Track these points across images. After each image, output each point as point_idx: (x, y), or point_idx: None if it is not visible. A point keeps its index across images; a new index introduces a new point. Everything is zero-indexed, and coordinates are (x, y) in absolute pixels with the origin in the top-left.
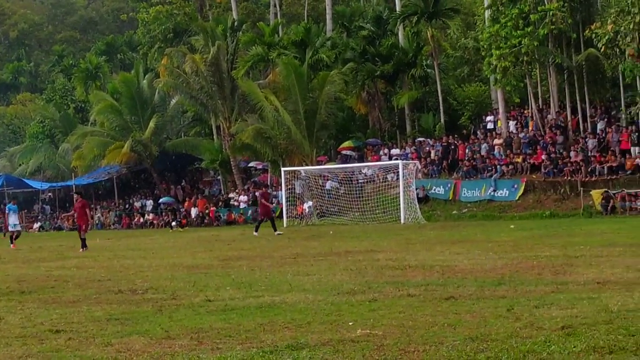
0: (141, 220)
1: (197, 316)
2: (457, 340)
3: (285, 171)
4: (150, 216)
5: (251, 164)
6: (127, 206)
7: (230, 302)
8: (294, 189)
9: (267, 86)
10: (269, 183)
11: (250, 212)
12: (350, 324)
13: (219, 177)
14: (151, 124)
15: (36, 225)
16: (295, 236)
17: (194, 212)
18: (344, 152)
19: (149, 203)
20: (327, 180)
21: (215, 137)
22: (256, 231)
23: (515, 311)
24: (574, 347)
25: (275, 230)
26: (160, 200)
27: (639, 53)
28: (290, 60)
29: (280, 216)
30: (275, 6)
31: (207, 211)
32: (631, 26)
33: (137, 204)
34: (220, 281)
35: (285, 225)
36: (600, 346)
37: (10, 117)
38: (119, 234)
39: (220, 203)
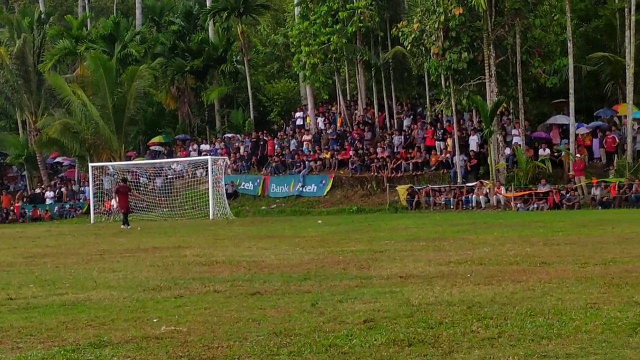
0: None
1: None
2: (261, 335)
3: (93, 167)
4: None
5: (58, 160)
6: None
7: (32, 300)
8: (102, 184)
9: (75, 80)
10: (76, 179)
11: (56, 208)
12: (154, 320)
13: (24, 173)
14: None
15: None
16: (103, 232)
17: None
18: (153, 147)
19: None
20: (139, 176)
21: (20, 131)
22: (124, 224)
23: (319, 306)
24: (375, 340)
25: (123, 224)
26: None
27: (443, 52)
28: (98, 54)
29: (88, 212)
30: None
31: (11, 207)
32: (436, 25)
33: None
34: (23, 279)
35: (92, 221)
36: (400, 339)
37: None
38: None
39: (25, 199)
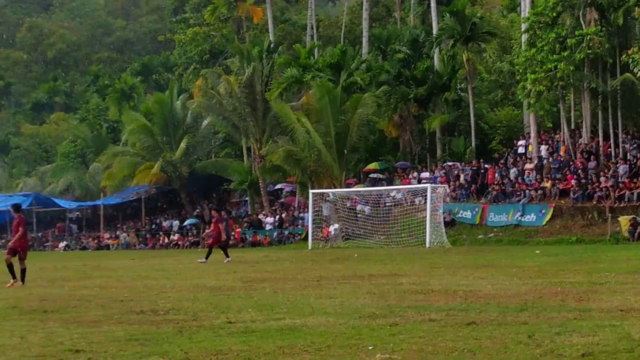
0: (166, 240)
1: (218, 338)
2: None
3: (313, 193)
4: (176, 237)
5: (278, 186)
6: (153, 226)
7: (251, 325)
8: (321, 211)
9: (300, 108)
10: (296, 205)
11: (275, 234)
12: (370, 348)
13: (246, 199)
14: (182, 145)
15: (62, 244)
16: (320, 259)
17: None
18: (372, 175)
19: (176, 223)
20: (357, 203)
21: (245, 158)
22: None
23: (536, 337)
24: None
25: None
26: (186, 222)
27: None
28: (324, 82)
29: (306, 238)
30: (312, 28)
31: (233, 232)
32: None
33: (166, 224)
34: (243, 303)
35: (310, 247)
36: None
37: (43, 136)
38: (143, 254)
39: (245, 225)
